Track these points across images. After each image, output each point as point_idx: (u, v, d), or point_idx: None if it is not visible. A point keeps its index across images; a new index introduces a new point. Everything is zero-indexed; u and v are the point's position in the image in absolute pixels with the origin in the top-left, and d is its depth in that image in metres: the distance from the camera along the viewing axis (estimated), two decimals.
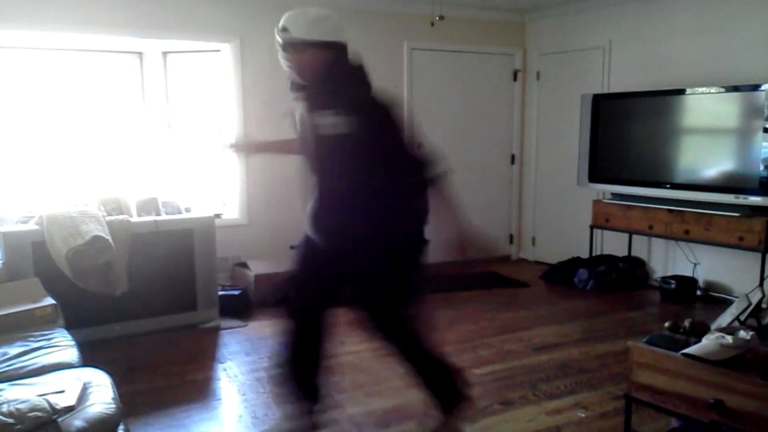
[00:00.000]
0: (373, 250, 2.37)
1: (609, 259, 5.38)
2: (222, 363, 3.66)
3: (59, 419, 1.91)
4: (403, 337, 2.50)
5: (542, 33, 6.12)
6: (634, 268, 5.33)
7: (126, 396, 2.51)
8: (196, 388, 3.30)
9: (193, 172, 5.32)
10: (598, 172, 5.31)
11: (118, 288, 3.75)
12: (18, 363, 2.52)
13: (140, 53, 5.09)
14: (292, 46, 2.32)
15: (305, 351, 2.60)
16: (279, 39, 2.35)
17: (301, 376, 2.62)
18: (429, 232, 2.45)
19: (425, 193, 2.37)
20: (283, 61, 2.39)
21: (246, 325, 4.31)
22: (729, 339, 2.28)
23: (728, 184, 4.48)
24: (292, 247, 5.26)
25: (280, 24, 2.35)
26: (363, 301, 2.45)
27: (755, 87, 4.30)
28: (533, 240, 6.39)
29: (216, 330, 4.20)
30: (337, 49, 2.37)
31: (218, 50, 5.12)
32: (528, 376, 3.41)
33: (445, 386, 2.60)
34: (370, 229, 2.35)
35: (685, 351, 2.34)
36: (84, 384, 2.23)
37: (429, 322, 2.56)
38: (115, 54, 5.02)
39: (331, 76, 2.35)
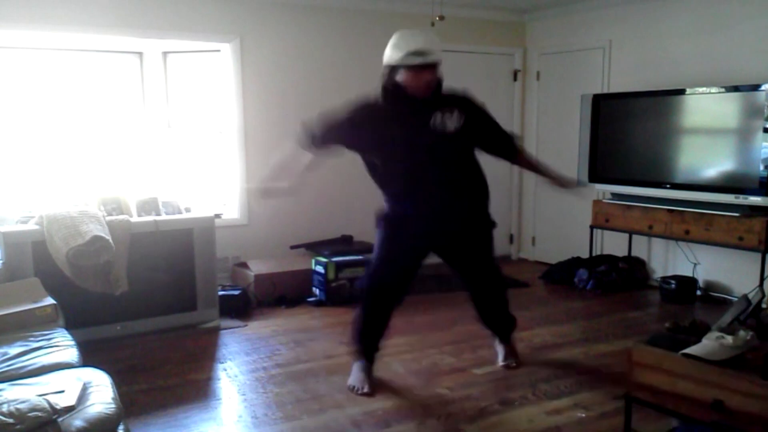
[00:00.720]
0: (485, 209, 3.22)
1: (609, 259, 5.38)
2: (222, 363, 3.66)
3: (59, 419, 1.91)
4: (497, 272, 3.39)
5: (542, 33, 6.12)
6: (634, 268, 5.33)
7: (126, 396, 2.52)
8: (196, 388, 3.30)
9: (193, 172, 5.32)
10: (598, 172, 5.31)
11: (118, 288, 3.75)
12: (18, 363, 2.52)
13: (140, 53, 5.09)
14: (431, 67, 2.85)
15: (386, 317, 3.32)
16: (417, 61, 2.80)
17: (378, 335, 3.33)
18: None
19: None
20: (410, 78, 2.85)
21: (246, 325, 4.31)
22: (729, 339, 2.29)
23: (728, 184, 4.48)
24: (292, 247, 5.32)
25: (416, 47, 2.80)
26: (478, 249, 3.27)
27: (755, 87, 4.30)
28: (533, 240, 6.39)
29: (216, 330, 4.20)
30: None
31: (218, 50, 5.12)
32: (528, 376, 3.41)
33: (511, 317, 3.55)
34: (483, 195, 3.19)
35: (685, 351, 2.34)
36: (84, 384, 2.23)
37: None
38: (115, 54, 5.02)
39: (440, 86, 2.96)
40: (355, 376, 3.25)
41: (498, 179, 6.33)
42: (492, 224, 3.25)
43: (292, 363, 3.63)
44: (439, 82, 2.97)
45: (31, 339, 2.76)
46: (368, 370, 3.27)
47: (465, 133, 2.97)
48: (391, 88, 2.92)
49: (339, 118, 3.00)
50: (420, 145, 2.94)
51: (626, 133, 5.14)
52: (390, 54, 2.88)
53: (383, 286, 3.23)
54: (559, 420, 2.91)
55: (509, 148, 3.25)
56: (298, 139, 3.02)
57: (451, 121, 2.94)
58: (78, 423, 1.95)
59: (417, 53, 2.79)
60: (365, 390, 3.16)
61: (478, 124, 3.07)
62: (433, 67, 2.84)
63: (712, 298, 4.87)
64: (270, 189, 3.05)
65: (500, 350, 3.55)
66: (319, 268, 4.84)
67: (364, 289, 3.30)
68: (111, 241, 3.64)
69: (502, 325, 3.54)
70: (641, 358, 2.47)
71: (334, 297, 4.78)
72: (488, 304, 3.45)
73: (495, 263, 3.37)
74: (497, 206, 6.33)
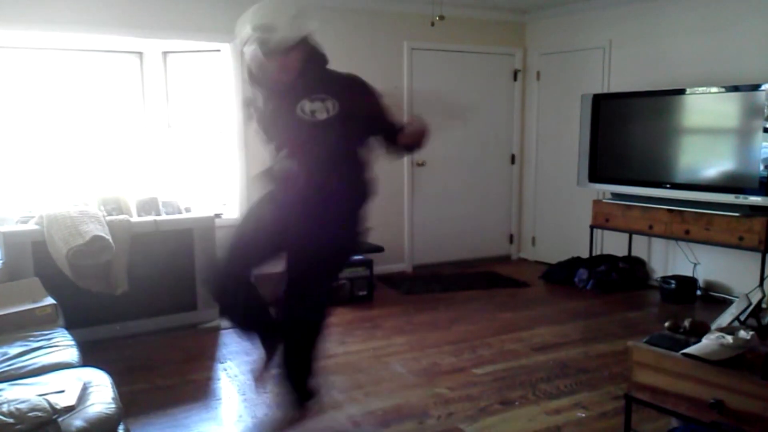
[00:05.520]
0: (349, 216, 2.59)
1: (609, 259, 5.38)
2: (222, 363, 3.66)
3: (59, 419, 1.91)
4: (315, 300, 2.70)
5: (542, 33, 6.12)
6: (634, 268, 5.33)
7: (126, 396, 2.51)
8: (196, 388, 3.30)
9: (193, 172, 5.32)
10: (598, 172, 5.30)
11: (118, 288, 3.75)
12: (18, 363, 2.52)
13: (140, 53, 5.09)
14: (276, 48, 2.33)
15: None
16: (253, 37, 2.33)
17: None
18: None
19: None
20: (256, 58, 2.38)
21: None
22: (729, 339, 2.28)
23: (728, 184, 4.48)
24: None
25: (255, 22, 2.31)
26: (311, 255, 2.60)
27: (755, 87, 4.30)
28: (533, 240, 6.39)
29: (216, 330, 4.20)
30: (311, 39, 2.43)
31: (218, 50, 5.12)
32: (528, 376, 3.41)
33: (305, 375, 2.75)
34: (352, 199, 2.58)
35: (685, 351, 2.34)
36: (84, 384, 2.23)
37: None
38: (115, 54, 5.02)
39: (311, 67, 2.44)
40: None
41: (497, 179, 6.35)
42: (348, 238, 2.63)
43: None
44: (308, 64, 2.46)
45: (31, 339, 2.76)
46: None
47: (339, 123, 2.44)
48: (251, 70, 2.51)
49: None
50: (282, 131, 2.54)
51: (626, 133, 5.14)
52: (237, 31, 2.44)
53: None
54: (559, 420, 2.91)
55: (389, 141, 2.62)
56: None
57: (323, 110, 2.42)
58: (78, 423, 1.95)
59: (257, 28, 2.33)
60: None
61: (359, 113, 2.51)
62: (282, 49, 2.35)
63: (712, 298, 4.87)
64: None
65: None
66: None
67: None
68: (111, 241, 3.64)
69: (291, 374, 2.70)
70: (641, 358, 2.46)
71: (334, 297, 4.78)
72: (287, 333, 2.70)
73: (321, 289, 2.68)
74: (497, 206, 6.42)
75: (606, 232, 5.54)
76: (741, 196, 4.35)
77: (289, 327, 2.68)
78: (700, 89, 4.68)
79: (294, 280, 2.60)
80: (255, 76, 2.50)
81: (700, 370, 2.27)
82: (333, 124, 2.43)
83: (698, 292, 4.92)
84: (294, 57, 2.38)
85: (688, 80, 4.86)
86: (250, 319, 2.73)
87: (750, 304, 2.71)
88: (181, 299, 4.13)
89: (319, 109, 2.41)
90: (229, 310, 2.76)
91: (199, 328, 4.20)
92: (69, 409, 2.02)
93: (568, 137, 5.73)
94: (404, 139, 2.54)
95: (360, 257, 4.94)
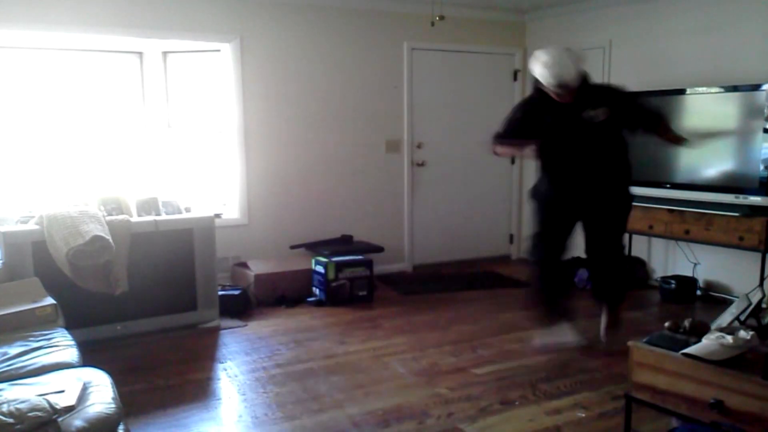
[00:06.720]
0: (623, 185, 3.80)
1: None
2: (222, 363, 3.66)
3: (59, 419, 1.91)
4: (618, 245, 3.95)
5: (542, 33, 6.12)
6: (634, 268, 5.33)
7: (126, 396, 2.51)
8: (196, 388, 3.30)
9: (193, 172, 5.32)
10: None
11: (118, 288, 3.75)
12: (18, 363, 2.52)
13: (140, 53, 5.09)
14: (567, 87, 3.42)
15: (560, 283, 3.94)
16: (560, 92, 3.42)
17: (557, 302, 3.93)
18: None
19: None
20: (554, 91, 3.44)
21: (246, 325, 4.32)
22: (729, 339, 2.29)
23: (728, 184, 4.48)
24: (292, 247, 5.32)
25: (559, 82, 3.36)
26: (608, 218, 3.81)
27: (755, 87, 4.30)
28: None
29: (216, 330, 4.20)
30: (583, 72, 3.52)
31: (218, 50, 5.12)
32: (528, 376, 3.41)
33: (622, 292, 4.03)
34: (623, 173, 3.76)
35: (685, 351, 2.34)
36: (84, 384, 2.23)
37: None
38: (115, 54, 5.02)
39: (583, 88, 3.49)
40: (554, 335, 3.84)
41: (498, 179, 6.35)
42: (627, 200, 3.80)
43: (292, 363, 3.63)
44: (583, 86, 3.47)
45: (31, 339, 2.77)
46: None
47: (610, 123, 3.50)
48: (540, 92, 3.53)
49: (508, 115, 3.74)
50: (571, 134, 3.54)
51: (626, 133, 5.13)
52: (539, 72, 3.42)
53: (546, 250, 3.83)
54: (559, 420, 2.91)
55: (649, 126, 3.69)
56: (489, 140, 3.79)
57: (597, 115, 3.48)
58: (78, 423, 1.95)
59: (561, 86, 3.37)
60: (577, 341, 3.83)
61: (622, 112, 3.57)
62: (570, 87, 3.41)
63: (712, 298, 4.87)
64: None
65: (603, 320, 3.96)
66: (319, 268, 4.84)
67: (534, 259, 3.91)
68: (111, 241, 3.64)
69: (609, 296, 3.94)
70: (641, 358, 2.47)
71: (334, 297, 4.78)
72: (600, 272, 3.93)
73: (620, 237, 3.86)
74: (497, 206, 6.41)
75: None
76: (741, 196, 4.35)
77: (612, 271, 3.88)
78: (700, 89, 4.68)
79: (603, 238, 3.79)
80: (544, 94, 3.50)
81: (700, 370, 2.27)
82: (606, 123, 3.48)
83: (698, 292, 4.91)
84: (575, 88, 3.43)
85: (688, 80, 4.86)
86: (558, 292, 3.92)
87: (750, 304, 2.72)
88: (181, 299, 4.13)
89: (596, 115, 3.47)
90: (545, 287, 3.90)
91: (199, 328, 4.20)
92: (69, 409, 2.02)
93: None
94: (665, 138, 3.75)
95: (360, 257, 4.95)
